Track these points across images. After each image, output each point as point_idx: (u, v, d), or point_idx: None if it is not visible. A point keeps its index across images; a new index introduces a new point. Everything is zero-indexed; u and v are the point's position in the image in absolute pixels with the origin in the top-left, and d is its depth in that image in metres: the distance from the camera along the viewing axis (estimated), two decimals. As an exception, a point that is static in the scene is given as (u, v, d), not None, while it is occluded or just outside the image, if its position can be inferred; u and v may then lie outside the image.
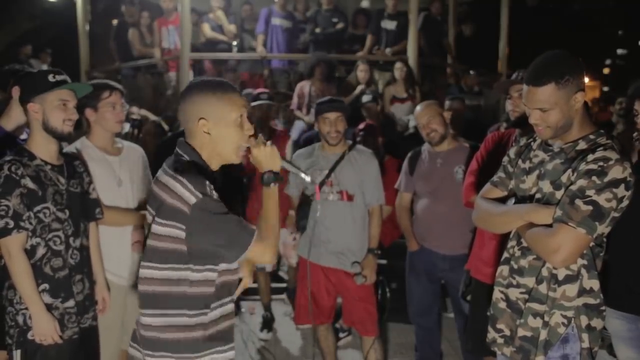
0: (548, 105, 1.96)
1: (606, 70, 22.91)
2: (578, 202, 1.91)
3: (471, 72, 7.22)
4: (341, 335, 4.33)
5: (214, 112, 1.85)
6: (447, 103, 4.94)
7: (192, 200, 1.74)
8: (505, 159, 2.30)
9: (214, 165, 1.92)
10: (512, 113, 2.81)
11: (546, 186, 2.06)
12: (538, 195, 2.09)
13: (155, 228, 1.83)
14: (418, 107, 3.65)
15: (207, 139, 1.86)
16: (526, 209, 2.06)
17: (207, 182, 1.78)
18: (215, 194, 1.79)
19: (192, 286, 1.84)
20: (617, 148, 1.97)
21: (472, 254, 3.10)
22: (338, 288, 3.48)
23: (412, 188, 3.72)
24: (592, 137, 2.01)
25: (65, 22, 10.55)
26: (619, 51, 21.58)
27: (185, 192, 1.74)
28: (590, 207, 1.89)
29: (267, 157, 1.92)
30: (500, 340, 2.20)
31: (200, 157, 1.87)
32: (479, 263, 2.97)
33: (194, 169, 1.81)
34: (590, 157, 1.93)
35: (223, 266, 1.89)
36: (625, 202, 1.95)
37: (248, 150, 1.94)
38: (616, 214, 1.95)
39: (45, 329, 2.36)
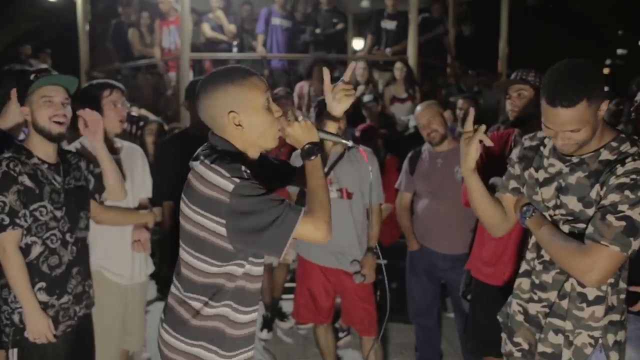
0: (580, 125, 1.79)
1: (606, 70, 22.88)
2: (610, 217, 1.78)
3: (470, 72, 7.21)
4: (341, 335, 4.33)
5: (240, 103, 1.74)
6: (459, 102, 4.89)
7: (230, 187, 1.64)
8: (509, 162, 2.21)
9: (252, 154, 1.84)
10: (511, 113, 2.80)
11: (572, 203, 1.91)
12: (562, 211, 1.95)
13: (192, 215, 1.73)
14: (418, 108, 3.65)
15: (240, 131, 1.76)
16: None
17: (244, 167, 1.69)
18: (253, 178, 1.70)
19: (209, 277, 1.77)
20: None
21: (472, 254, 3.10)
22: (337, 288, 3.48)
23: (413, 188, 3.72)
24: (614, 144, 1.87)
25: (65, 22, 10.56)
26: (619, 51, 21.53)
27: (221, 181, 1.65)
28: (623, 223, 1.76)
29: (303, 131, 1.83)
30: (517, 354, 2.13)
31: (234, 147, 1.79)
32: (479, 263, 2.97)
33: (229, 157, 1.72)
34: (619, 169, 1.80)
35: (247, 268, 1.79)
36: None
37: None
38: None
39: (39, 328, 2.37)
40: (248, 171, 1.70)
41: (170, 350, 1.83)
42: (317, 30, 7.46)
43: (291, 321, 4.58)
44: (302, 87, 6.25)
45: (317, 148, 1.83)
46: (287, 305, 4.70)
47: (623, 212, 1.77)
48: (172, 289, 1.88)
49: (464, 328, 3.31)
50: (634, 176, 1.78)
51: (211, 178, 1.68)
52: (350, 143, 1.94)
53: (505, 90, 2.89)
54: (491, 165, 2.78)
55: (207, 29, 7.61)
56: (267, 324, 4.57)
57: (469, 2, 9.07)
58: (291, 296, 4.17)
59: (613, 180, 1.80)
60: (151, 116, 6.02)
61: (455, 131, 4.63)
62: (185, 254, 1.81)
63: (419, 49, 6.99)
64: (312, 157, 1.82)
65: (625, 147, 1.86)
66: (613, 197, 1.79)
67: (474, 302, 3.04)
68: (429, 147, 3.66)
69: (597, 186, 1.85)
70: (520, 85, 2.75)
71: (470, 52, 7.74)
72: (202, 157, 1.75)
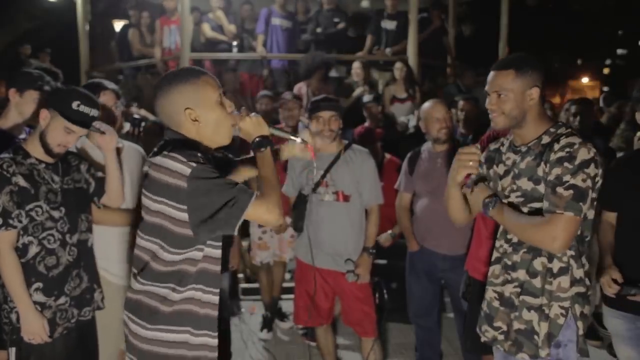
0: (504, 90, 2.13)
1: (606, 70, 22.90)
2: (559, 189, 2.03)
3: (470, 72, 7.19)
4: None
5: (196, 99, 1.87)
6: (460, 103, 4.87)
7: (187, 171, 1.74)
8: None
9: (206, 146, 1.94)
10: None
11: (524, 183, 2.17)
12: (518, 193, 2.19)
13: (152, 205, 1.83)
14: (428, 103, 3.61)
15: (196, 127, 1.89)
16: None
17: (199, 154, 1.80)
18: (208, 164, 1.80)
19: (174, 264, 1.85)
20: (577, 134, 2.12)
21: (470, 254, 3.10)
22: (335, 289, 3.47)
23: (412, 188, 3.72)
24: (552, 130, 2.17)
25: (65, 22, 10.57)
26: (619, 51, 21.55)
27: (179, 165, 1.75)
28: (571, 191, 2.02)
29: (254, 125, 1.98)
30: (500, 337, 2.25)
31: (188, 138, 1.89)
32: (477, 262, 2.97)
33: (184, 146, 1.83)
34: (556, 146, 2.08)
35: (206, 251, 1.87)
36: (599, 180, 2.07)
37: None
38: (594, 195, 2.08)
39: (33, 328, 2.37)
40: (203, 157, 1.80)
41: (145, 342, 1.87)
42: (318, 30, 7.45)
43: (291, 321, 4.58)
44: (300, 88, 6.24)
45: (266, 141, 1.96)
46: (286, 305, 4.70)
47: (568, 181, 2.02)
48: (134, 284, 1.93)
49: (464, 328, 3.31)
50: (568, 149, 2.05)
51: (169, 165, 1.77)
52: (298, 139, 2.13)
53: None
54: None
55: (207, 29, 7.61)
56: (267, 324, 4.56)
57: (469, 2, 9.07)
58: (291, 296, 4.18)
59: (552, 156, 2.07)
60: (150, 116, 6.02)
61: (457, 131, 4.61)
62: (147, 243, 1.88)
63: (419, 49, 6.99)
64: (262, 149, 1.96)
65: (561, 130, 2.15)
66: (556, 171, 2.05)
67: (472, 302, 3.04)
68: (428, 147, 3.65)
69: (542, 164, 2.11)
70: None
71: (470, 52, 7.73)
72: (158, 151, 1.85)
